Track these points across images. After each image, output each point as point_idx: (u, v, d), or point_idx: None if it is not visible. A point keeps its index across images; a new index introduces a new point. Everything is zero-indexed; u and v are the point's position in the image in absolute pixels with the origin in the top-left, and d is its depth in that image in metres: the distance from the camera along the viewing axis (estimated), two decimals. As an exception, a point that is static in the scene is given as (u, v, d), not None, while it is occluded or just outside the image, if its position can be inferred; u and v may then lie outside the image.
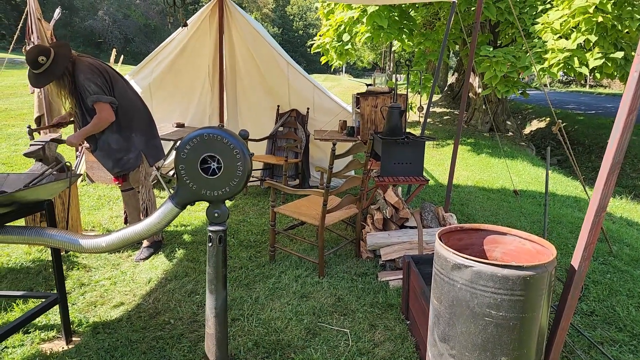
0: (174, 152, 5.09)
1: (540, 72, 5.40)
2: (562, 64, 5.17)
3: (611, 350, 2.29)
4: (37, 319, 2.47)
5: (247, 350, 2.25)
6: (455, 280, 1.40)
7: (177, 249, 3.46)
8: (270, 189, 3.24)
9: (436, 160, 7.04)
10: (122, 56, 4.60)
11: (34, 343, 2.30)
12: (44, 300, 2.30)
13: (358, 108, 4.09)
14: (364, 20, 6.99)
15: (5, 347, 2.25)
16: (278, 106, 5.17)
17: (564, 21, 5.15)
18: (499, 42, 8.19)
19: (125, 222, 3.83)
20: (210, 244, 1.88)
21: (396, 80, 3.73)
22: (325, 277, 3.02)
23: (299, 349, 2.26)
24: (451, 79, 12.92)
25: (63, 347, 2.27)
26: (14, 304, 2.62)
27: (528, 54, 5.61)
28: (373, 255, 3.25)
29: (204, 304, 2.68)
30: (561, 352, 2.23)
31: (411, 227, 3.18)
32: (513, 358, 1.36)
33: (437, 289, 1.50)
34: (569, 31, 5.31)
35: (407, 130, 3.62)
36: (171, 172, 5.19)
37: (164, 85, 5.09)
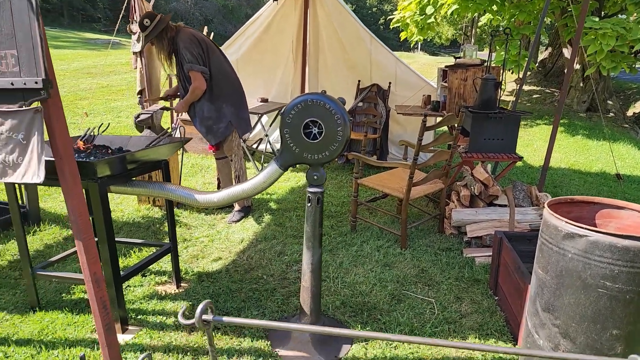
0: (259, 126, 5.39)
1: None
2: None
3: None
4: (151, 266, 2.82)
5: (335, 308, 2.39)
6: (566, 249, 1.37)
7: (264, 214, 3.70)
8: (355, 162, 3.31)
9: (524, 141, 6.64)
10: (212, 33, 4.87)
11: (151, 285, 2.63)
12: (158, 248, 2.61)
13: (445, 82, 3.98)
14: (452, -9, 6.66)
15: (128, 285, 2.60)
16: (359, 81, 5.18)
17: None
18: (604, 11, 7.36)
19: (218, 188, 4.14)
20: (309, 204, 2.00)
21: (490, 53, 3.55)
22: (408, 250, 3.05)
23: (385, 312, 2.35)
24: (543, 54, 11.88)
25: (174, 290, 2.57)
26: (132, 252, 3.00)
27: (641, 24, 5.00)
28: (457, 232, 3.21)
29: (292, 264, 2.87)
30: None
31: (500, 206, 3.09)
32: (626, 332, 1.32)
33: (544, 258, 1.47)
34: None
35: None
36: (255, 145, 5.47)
37: (250, 61, 5.33)
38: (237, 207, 3.65)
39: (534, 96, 10.21)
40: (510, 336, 2.16)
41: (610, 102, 8.57)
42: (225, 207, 3.74)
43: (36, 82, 1.53)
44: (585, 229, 1.32)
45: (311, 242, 2.03)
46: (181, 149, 5.50)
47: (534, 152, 6.09)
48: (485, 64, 3.63)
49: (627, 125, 7.91)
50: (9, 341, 2.09)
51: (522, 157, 3.38)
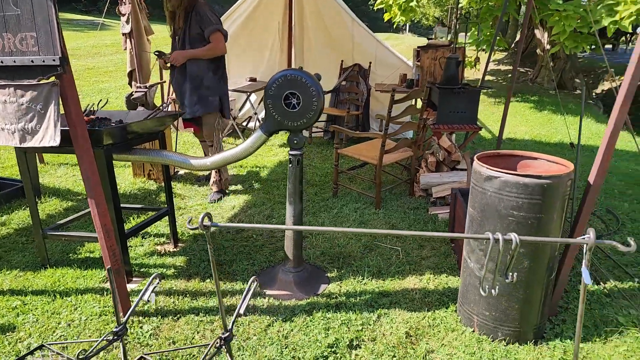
0: (248, 104, 5.65)
1: (611, 26, 5.17)
2: (635, 16, 4.93)
3: (634, 270, 2.53)
4: (150, 229, 3.15)
5: (315, 257, 2.76)
6: (486, 189, 1.75)
7: (254, 184, 4.04)
8: (336, 134, 3.65)
9: (496, 116, 7.06)
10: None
11: (151, 244, 2.96)
12: (156, 212, 2.94)
13: (418, 61, 4.31)
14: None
15: (130, 245, 2.93)
16: (342, 61, 5.48)
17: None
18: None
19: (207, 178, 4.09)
20: (290, 165, 2.34)
21: (456, 34, 3.89)
22: (382, 210, 3.44)
23: (357, 258, 2.73)
24: (519, 34, 12.26)
25: (172, 249, 2.91)
26: (131, 218, 3.32)
27: (600, 7, 5.37)
28: (425, 194, 3.60)
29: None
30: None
31: (462, 170, 3.47)
32: (530, 250, 1.70)
33: (472, 198, 1.85)
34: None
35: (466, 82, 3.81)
36: (245, 122, 5.76)
37: (238, 42, 5.57)
38: (215, 188, 3.73)
39: (509, 75, 10.62)
40: (458, 272, 2.56)
41: (577, 80, 9.03)
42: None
43: (54, 60, 1.82)
44: (498, 171, 1.69)
45: (292, 197, 2.38)
46: (175, 127, 5.77)
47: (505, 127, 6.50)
48: (452, 45, 3.97)
49: (591, 102, 8.38)
50: (26, 292, 2.40)
51: (482, 128, 3.76)
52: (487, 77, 9.74)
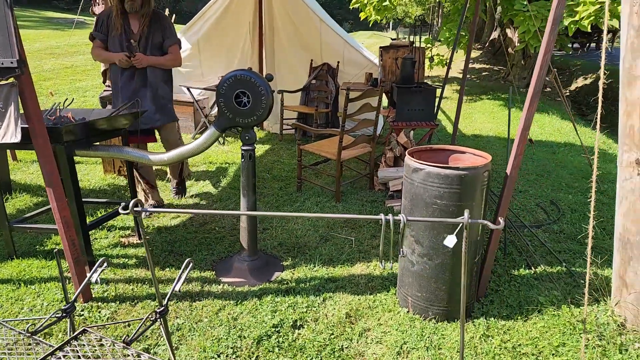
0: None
1: (572, 25, 5.41)
2: (593, 17, 5.18)
3: (565, 256, 2.74)
4: (116, 222, 3.26)
5: (272, 248, 2.91)
6: (414, 180, 1.91)
7: (222, 180, 4.16)
8: (297, 130, 3.79)
9: (466, 113, 7.29)
10: (174, 15, 5.18)
11: (116, 237, 3.07)
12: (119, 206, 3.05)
13: (381, 61, 4.47)
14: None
15: (95, 238, 3.03)
16: (312, 60, 5.62)
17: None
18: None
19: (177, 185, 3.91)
20: (243, 160, 2.48)
21: (413, 35, 4.05)
22: (341, 203, 3.60)
23: (312, 248, 2.89)
24: (493, 34, 12.58)
25: (136, 241, 3.02)
26: (97, 212, 3.42)
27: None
28: (384, 187, 3.77)
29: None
30: (522, 256, 2.72)
31: (418, 165, 3.65)
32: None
33: (405, 190, 2.01)
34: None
35: (438, 83, 3.99)
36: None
37: (210, 41, 5.68)
38: (151, 201, 3.54)
39: (483, 73, 10.89)
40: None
41: (547, 79, 9.33)
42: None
43: (12, 62, 1.93)
44: (422, 163, 1.86)
45: (246, 190, 2.52)
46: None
47: (472, 123, 6.74)
48: (412, 45, 4.14)
49: (559, 99, 8.68)
50: (-8, 281, 2.51)
51: (438, 125, 3.94)
52: (460, 75, 9.99)
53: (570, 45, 7.26)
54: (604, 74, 1.58)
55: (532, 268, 2.58)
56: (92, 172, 4.35)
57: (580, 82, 11.61)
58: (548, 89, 9.14)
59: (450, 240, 1.29)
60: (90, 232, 2.84)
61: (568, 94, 10.52)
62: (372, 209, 3.48)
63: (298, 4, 5.28)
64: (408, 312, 2.18)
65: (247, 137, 2.46)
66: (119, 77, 3.18)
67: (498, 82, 10.10)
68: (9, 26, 1.88)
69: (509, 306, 2.25)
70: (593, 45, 13.49)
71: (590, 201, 1.52)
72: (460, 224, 1.27)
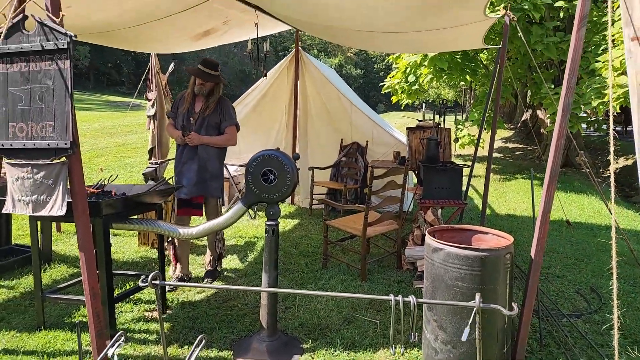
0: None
1: (601, 107, 5.44)
2: (622, 99, 5.20)
3: (608, 350, 2.46)
4: (142, 295, 3.30)
5: (293, 328, 2.82)
6: (434, 260, 1.87)
7: (249, 255, 4.20)
8: (324, 206, 3.86)
9: (499, 192, 7.17)
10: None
11: (140, 310, 3.10)
12: (150, 278, 3.12)
13: (409, 140, 4.60)
14: (426, 63, 7.58)
15: (121, 311, 3.07)
16: (342, 139, 5.87)
17: (624, 59, 5.21)
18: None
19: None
20: (266, 235, 2.53)
21: (439, 117, 4.20)
22: (367, 282, 3.50)
23: (334, 330, 2.78)
24: (525, 115, 12.75)
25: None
26: (126, 285, 3.49)
27: (589, 89, 5.70)
28: (413, 267, 3.66)
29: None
30: (560, 348, 2.48)
31: (446, 244, 3.56)
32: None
33: (426, 270, 1.96)
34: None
35: (465, 162, 4.03)
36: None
37: (249, 123, 6.10)
38: (210, 267, 3.70)
39: (517, 152, 10.85)
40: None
41: (583, 159, 9.16)
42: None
43: (66, 144, 2.16)
44: (442, 243, 1.83)
45: (268, 265, 2.54)
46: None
47: (505, 202, 6.58)
48: (438, 126, 4.27)
49: (599, 180, 8.42)
50: (18, 352, 2.55)
51: (467, 203, 3.89)
52: (495, 155, 9.99)
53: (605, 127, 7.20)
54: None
55: (573, 363, 2.34)
56: (127, 245, 4.52)
57: (621, 162, 11.28)
58: (585, 170, 8.93)
59: (465, 334, 1.23)
60: (116, 305, 2.88)
61: (608, 174, 10.20)
62: (398, 289, 3.36)
63: (330, 89, 5.66)
64: (434, 406, 2.00)
65: (271, 213, 2.54)
66: (177, 150, 3.52)
67: (533, 161, 10.00)
68: (67, 113, 2.14)
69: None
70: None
71: (612, 288, 1.42)
72: (474, 309, 1.21)
